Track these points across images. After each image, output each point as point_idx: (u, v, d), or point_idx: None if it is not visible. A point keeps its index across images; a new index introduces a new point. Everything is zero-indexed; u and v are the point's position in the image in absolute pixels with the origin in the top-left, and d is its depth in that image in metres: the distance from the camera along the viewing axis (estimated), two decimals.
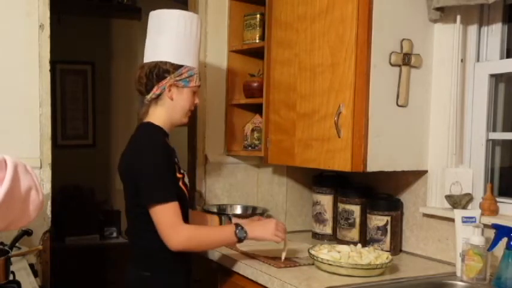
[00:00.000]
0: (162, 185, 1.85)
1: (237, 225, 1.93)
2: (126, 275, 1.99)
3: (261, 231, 1.96)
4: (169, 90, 1.95)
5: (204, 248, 1.99)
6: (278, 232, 1.96)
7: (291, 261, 2.05)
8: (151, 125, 1.98)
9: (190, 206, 2.31)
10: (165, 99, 1.96)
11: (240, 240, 1.92)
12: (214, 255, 2.27)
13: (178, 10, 2.04)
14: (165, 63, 1.96)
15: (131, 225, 2.00)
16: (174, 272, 1.96)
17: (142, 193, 1.86)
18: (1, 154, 1.02)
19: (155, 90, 1.95)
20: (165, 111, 1.98)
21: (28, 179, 1.06)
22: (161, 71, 1.95)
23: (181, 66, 1.96)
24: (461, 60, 2.07)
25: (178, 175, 1.97)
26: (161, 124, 1.98)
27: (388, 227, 2.22)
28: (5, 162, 1.01)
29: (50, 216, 2.32)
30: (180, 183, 1.96)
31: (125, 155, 1.97)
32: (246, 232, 1.92)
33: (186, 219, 2.02)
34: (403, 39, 2.05)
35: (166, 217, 1.83)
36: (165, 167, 1.88)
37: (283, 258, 2.05)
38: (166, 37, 1.99)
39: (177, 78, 1.95)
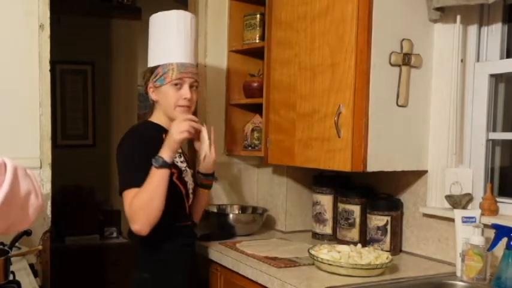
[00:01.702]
0: (129, 174, 1.87)
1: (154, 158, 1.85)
2: (130, 277, 2.00)
3: (170, 142, 1.85)
4: (152, 92, 2.04)
5: (154, 207, 1.80)
6: (181, 127, 1.84)
7: (291, 261, 2.05)
8: (144, 121, 2.09)
9: None
10: (155, 102, 2.05)
11: (164, 166, 1.81)
12: (214, 255, 2.27)
13: (155, 14, 2.08)
14: (146, 69, 2.07)
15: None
16: (174, 272, 1.96)
17: None
18: (1, 157, 1.01)
19: (148, 96, 2.06)
20: (160, 111, 2.05)
21: (28, 182, 1.05)
22: (144, 79, 2.08)
23: (157, 67, 2.02)
24: (461, 60, 2.07)
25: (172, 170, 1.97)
26: (160, 122, 2.04)
27: (388, 227, 2.22)
28: (5, 165, 1.00)
29: (50, 216, 2.32)
30: (174, 178, 1.96)
31: None
32: (160, 156, 1.82)
33: (183, 217, 2.01)
34: (403, 39, 2.05)
35: (124, 204, 1.85)
36: (138, 157, 1.88)
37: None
38: (149, 45, 2.10)
39: (154, 80, 2.02)
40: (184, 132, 1.84)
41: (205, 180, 2.14)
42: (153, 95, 2.03)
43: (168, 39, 2.03)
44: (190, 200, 2.07)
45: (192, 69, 2.03)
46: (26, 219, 1.07)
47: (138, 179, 1.82)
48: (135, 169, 1.86)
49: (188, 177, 2.06)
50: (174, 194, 1.94)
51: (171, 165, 1.85)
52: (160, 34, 2.05)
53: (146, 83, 2.06)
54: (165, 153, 1.83)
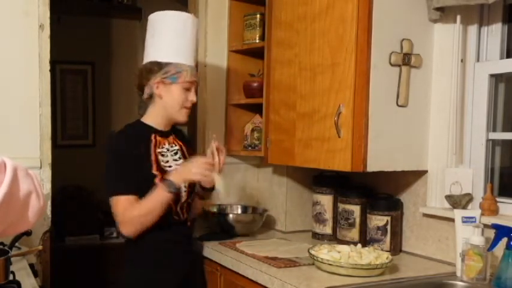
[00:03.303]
0: (113, 179, 1.94)
1: (164, 180, 1.92)
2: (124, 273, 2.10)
3: (183, 174, 1.93)
4: (157, 88, 2.01)
5: (149, 220, 1.93)
6: (196, 169, 1.91)
7: (291, 261, 2.05)
8: (136, 121, 2.09)
9: None
10: (156, 97, 2.03)
11: (173, 192, 1.91)
12: (214, 255, 2.27)
13: (171, 11, 2.08)
14: (153, 62, 2.03)
15: None
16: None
17: None
18: (1, 157, 1.00)
19: (147, 90, 2.04)
20: (158, 109, 2.04)
21: (28, 183, 1.03)
22: (148, 70, 2.02)
23: (168, 63, 2.00)
24: (461, 60, 2.07)
25: (155, 172, 1.97)
26: (152, 121, 2.06)
27: (388, 227, 2.22)
28: (5, 165, 0.98)
29: (50, 216, 2.32)
30: (157, 180, 1.96)
31: None
32: (173, 183, 1.91)
33: (169, 220, 2.01)
34: (403, 39, 2.05)
35: (115, 209, 1.93)
36: (121, 160, 1.93)
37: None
38: (157, 38, 2.05)
39: (163, 76, 2.00)
40: (197, 175, 1.92)
41: (202, 192, 2.15)
42: (157, 90, 2.01)
43: (180, 39, 2.03)
44: (183, 198, 2.04)
45: (197, 75, 2.09)
46: (25, 221, 1.05)
47: (125, 185, 1.91)
48: (116, 174, 1.94)
49: None
50: None
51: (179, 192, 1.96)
52: (172, 32, 2.04)
53: (150, 75, 2.01)
54: (177, 180, 1.91)
